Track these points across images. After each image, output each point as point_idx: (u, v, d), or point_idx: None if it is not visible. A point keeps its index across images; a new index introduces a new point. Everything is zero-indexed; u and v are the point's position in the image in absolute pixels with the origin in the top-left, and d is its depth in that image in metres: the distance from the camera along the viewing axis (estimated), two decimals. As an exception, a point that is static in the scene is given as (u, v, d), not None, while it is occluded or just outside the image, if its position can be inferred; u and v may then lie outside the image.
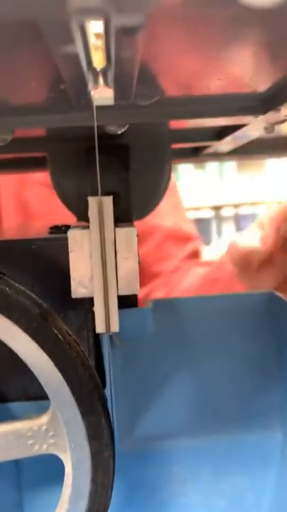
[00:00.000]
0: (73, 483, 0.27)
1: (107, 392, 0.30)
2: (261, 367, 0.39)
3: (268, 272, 0.55)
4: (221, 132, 0.37)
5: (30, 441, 0.27)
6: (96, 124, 0.26)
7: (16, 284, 0.26)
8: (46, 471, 0.34)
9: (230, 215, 2.35)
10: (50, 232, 0.35)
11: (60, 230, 0.34)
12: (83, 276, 0.27)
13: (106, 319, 0.27)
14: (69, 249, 0.27)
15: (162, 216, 0.71)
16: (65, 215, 0.39)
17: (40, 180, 0.68)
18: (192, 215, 2.29)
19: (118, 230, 0.27)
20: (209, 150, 0.43)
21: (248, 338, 0.39)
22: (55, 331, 0.26)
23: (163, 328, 0.38)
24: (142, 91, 0.24)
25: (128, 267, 0.27)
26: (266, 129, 0.32)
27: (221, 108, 0.28)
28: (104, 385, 0.35)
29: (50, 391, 0.26)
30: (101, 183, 0.27)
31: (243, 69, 0.23)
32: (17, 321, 0.25)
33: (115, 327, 0.27)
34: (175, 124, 0.35)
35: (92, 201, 0.27)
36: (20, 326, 0.25)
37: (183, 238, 0.76)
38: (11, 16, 0.14)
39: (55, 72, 0.20)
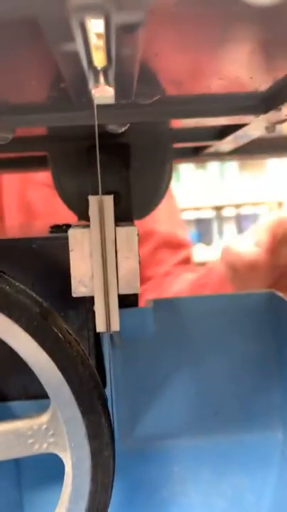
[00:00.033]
0: (73, 482, 0.27)
1: (107, 391, 0.30)
2: (262, 367, 0.39)
3: (259, 276, 0.56)
4: (223, 132, 0.37)
5: (30, 440, 0.27)
6: (96, 122, 0.25)
7: (17, 283, 0.26)
8: (46, 470, 0.34)
9: (231, 215, 2.34)
10: (51, 232, 0.35)
11: (61, 229, 0.34)
12: (83, 276, 0.27)
13: (106, 318, 0.27)
14: (70, 249, 0.27)
15: (157, 220, 0.72)
16: (67, 216, 0.39)
17: (42, 181, 0.69)
18: (194, 215, 2.29)
19: (119, 229, 0.27)
20: (210, 149, 0.43)
21: (248, 337, 0.39)
22: (55, 330, 0.26)
23: (164, 327, 0.38)
24: (143, 90, 0.24)
25: (128, 266, 0.27)
26: (267, 128, 0.32)
27: (222, 107, 0.28)
28: (104, 384, 0.35)
29: (50, 390, 0.26)
30: (101, 182, 0.26)
31: (244, 68, 0.23)
32: (17, 320, 0.25)
33: (115, 326, 0.27)
34: (176, 123, 0.35)
35: (93, 200, 0.27)
36: (21, 325, 0.25)
37: (177, 245, 0.77)
38: (11, 14, 0.14)
39: (55, 71, 0.20)
